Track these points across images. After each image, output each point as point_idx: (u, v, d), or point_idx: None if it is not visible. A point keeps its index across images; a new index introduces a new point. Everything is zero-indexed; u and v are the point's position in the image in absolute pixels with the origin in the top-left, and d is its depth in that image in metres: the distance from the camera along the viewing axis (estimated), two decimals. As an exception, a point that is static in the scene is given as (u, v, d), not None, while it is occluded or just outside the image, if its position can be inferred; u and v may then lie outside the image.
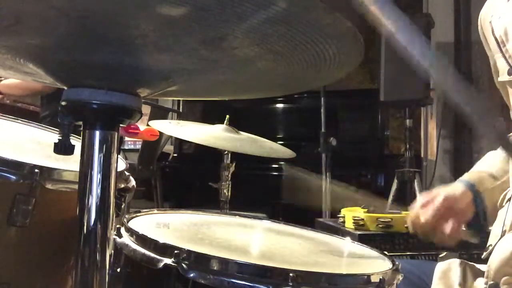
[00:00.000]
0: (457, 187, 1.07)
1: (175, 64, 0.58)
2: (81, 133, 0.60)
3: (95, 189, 0.60)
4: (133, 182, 1.10)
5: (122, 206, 1.06)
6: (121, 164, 1.06)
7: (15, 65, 0.61)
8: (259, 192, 3.76)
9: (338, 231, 1.60)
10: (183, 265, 0.71)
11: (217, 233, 1.00)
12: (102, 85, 0.57)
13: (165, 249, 0.75)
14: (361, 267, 0.89)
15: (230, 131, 1.63)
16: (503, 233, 0.99)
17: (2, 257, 0.89)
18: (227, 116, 1.66)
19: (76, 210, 0.60)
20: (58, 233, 0.92)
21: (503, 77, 1.05)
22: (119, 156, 0.75)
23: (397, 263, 0.85)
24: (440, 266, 1.06)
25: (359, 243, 1.06)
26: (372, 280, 0.75)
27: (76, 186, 0.61)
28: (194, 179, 4.07)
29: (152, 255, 0.76)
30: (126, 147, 4.38)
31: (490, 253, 0.98)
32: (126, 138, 4.18)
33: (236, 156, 1.78)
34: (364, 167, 3.71)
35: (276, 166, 3.94)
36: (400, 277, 0.82)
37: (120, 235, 0.85)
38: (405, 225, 1.17)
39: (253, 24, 0.46)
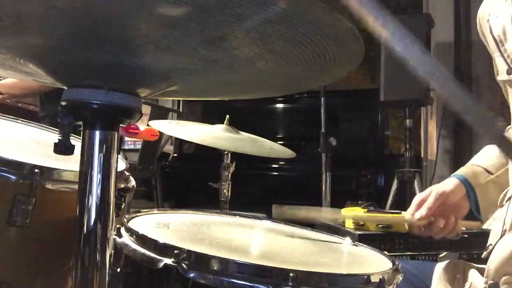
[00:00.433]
0: (449, 183, 1.08)
1: (175, 64, 0.58)
2: (81, 133, 0.60)
3: (95, 189, 0.60)
4: (133, 182, 1.10)
5: (122, 206, 1.06)
6: (121, 164, 1.06)
7: (15, 65, 0.61)
8: (259, 192, 3.77)
9: (338, 231, 1.60)
10: (183, 265, 0.71)
11: (217, 233, 1.00)
12: (102, 85, 0.57)
13: (165, 249, 0.75)
14: (361, 267, 0.89)
15: (230, 131, 1.63)
16: (503, 233, 0.99)
17: (2, 257, 0.89)
18: (227, 116, 1.66)
19: (76, 210, 0.60)
20: (58, 233, 0.92)
21: (502, 76, 1.05)
22: (119, 156, 0.75)
23: (397, 263, 0.85)
24: (439, 266, 1.06)
25: (359, 243, 1.06)
26: (372, 280, 0.75)
27: (76, 186, 0.61)
28: (194, 179, 4.08)
29: (152, 255, 0.76)
30: (126, 147, 4.38)
31: (490, 253, 0.99)
32: (126, 138, 4.18)
33: (236, 156, 1.77)
34: (364, 167, 3.71)
35: (276, 166, 3.94)
36: (400, 277, 0.82)
37: (120, 235, 0.85)
38: (405, 225, 1.18)
39: (253, 24, 0.46)
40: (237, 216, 1.21)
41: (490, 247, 1.01)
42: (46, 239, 0.92)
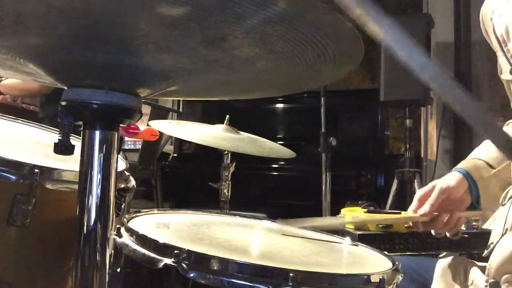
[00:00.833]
0: (452, 177, 1.08)
1: (175, 64, 0.58)
2: (81, 133, 0.60)
3: (95, 189, 0.60)
4: (133, 182, 1.10)
5: (122, 206, 1.06)
6: (121, 164, 1.06)
7: (15, 65, 0.61)
8: (259, 192, 3.77)
9: (338, 231, 1.60)
10: (183, 265, 0.71)
11: (217, 233, 1.00)
12: (102, 85, 0.57)
13: (165, 249, 0.75)
14: (361, 267, 0.89)
15: (230, 131, 1.63)
16: (505, 232, 0.99)
17: (2, 257, 0.89)
18: (227, 116, 1.66)
19: (76, 210, 0.60)
20: (58, 233, 0.92)
21: (505, 75, 1.05)
22: (119, 156, 0.75)
23: (397, 263, 0.85)
24: (441, 263, 1.06)
25: (359, 243, 1.06)
26: (372, 280, 0.75)
27: (76, 186, 0.61)
28: (194, 179, 4.08)
29: (152, 255, 0.76)
30: (126, 147, 4.38)
31: (491, 251, 0.99)
32: (126, 138, 4.18)
33: (236, 156, 1.78)
34: (364, 167, 3.72)
35: (276, 166, 3.94)
36: (400, 277, 0.83)
37: (120, 235, 0.85)
38: (406, 225, 1.18)
39: (253, 24, 0.46)
40: (237, 216, 1.21)
41: (492, 246, 1.01)
42: (46, 239, 0.92)
